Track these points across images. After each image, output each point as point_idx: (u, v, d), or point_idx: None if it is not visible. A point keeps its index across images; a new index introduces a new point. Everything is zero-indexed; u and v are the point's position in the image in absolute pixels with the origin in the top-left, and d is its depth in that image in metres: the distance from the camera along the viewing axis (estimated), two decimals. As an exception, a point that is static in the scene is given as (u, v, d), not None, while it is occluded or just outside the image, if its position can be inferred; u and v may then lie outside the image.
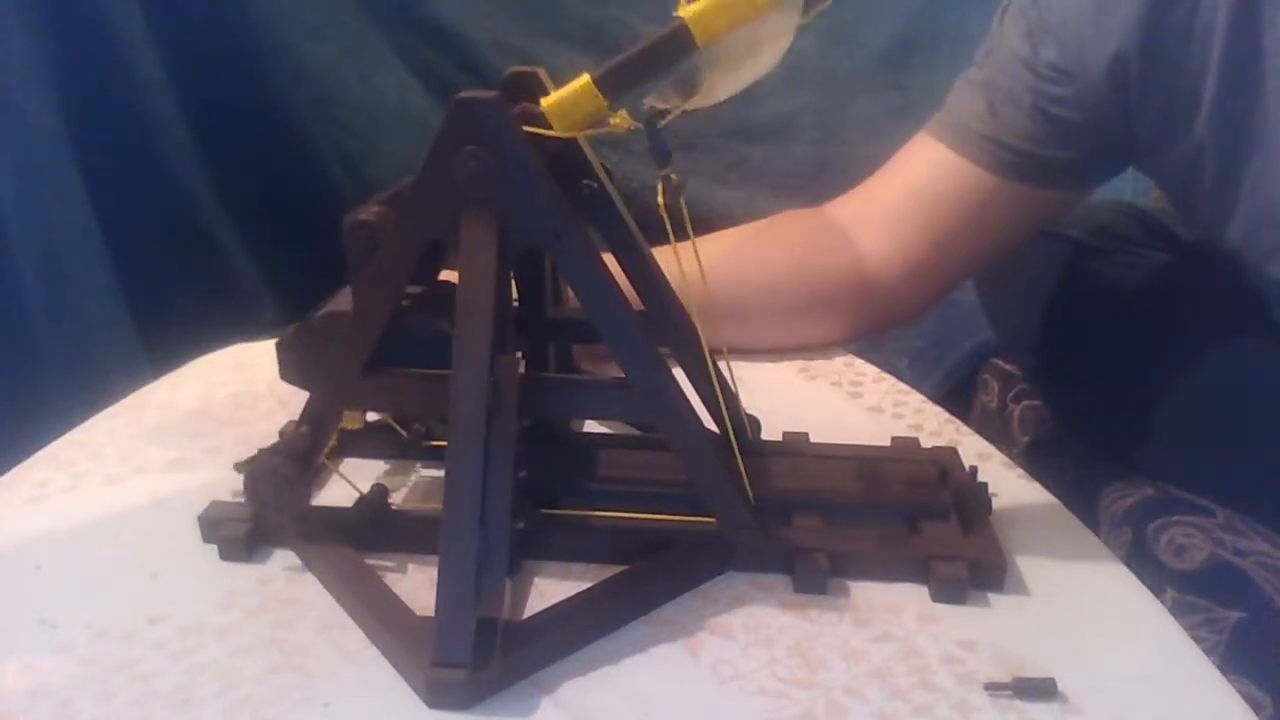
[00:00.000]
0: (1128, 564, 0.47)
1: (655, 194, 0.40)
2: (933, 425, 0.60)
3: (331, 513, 0.47)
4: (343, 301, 0.46)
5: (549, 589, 0.44)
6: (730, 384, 0.50)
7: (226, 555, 0.46)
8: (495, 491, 0.39)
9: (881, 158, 0.68)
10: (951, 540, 0.45)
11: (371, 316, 0.43)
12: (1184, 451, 0.61)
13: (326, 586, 0.44)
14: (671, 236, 0.42)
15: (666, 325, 0.48)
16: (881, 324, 0.70)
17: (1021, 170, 0.60)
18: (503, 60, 0.52)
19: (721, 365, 0.49)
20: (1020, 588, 0.44)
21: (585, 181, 0.44)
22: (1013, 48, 0.60)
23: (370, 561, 0.45)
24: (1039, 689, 0.38)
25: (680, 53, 0.39)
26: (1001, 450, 0.56)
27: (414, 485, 0.53)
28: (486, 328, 0.39)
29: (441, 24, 1.08)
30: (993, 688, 0.38)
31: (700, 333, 0.46)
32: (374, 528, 0.47)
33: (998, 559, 0.44)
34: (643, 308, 0.48)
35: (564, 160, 0.42)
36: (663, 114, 0.40)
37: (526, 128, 0.40)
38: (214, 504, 0.48)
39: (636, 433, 0.56)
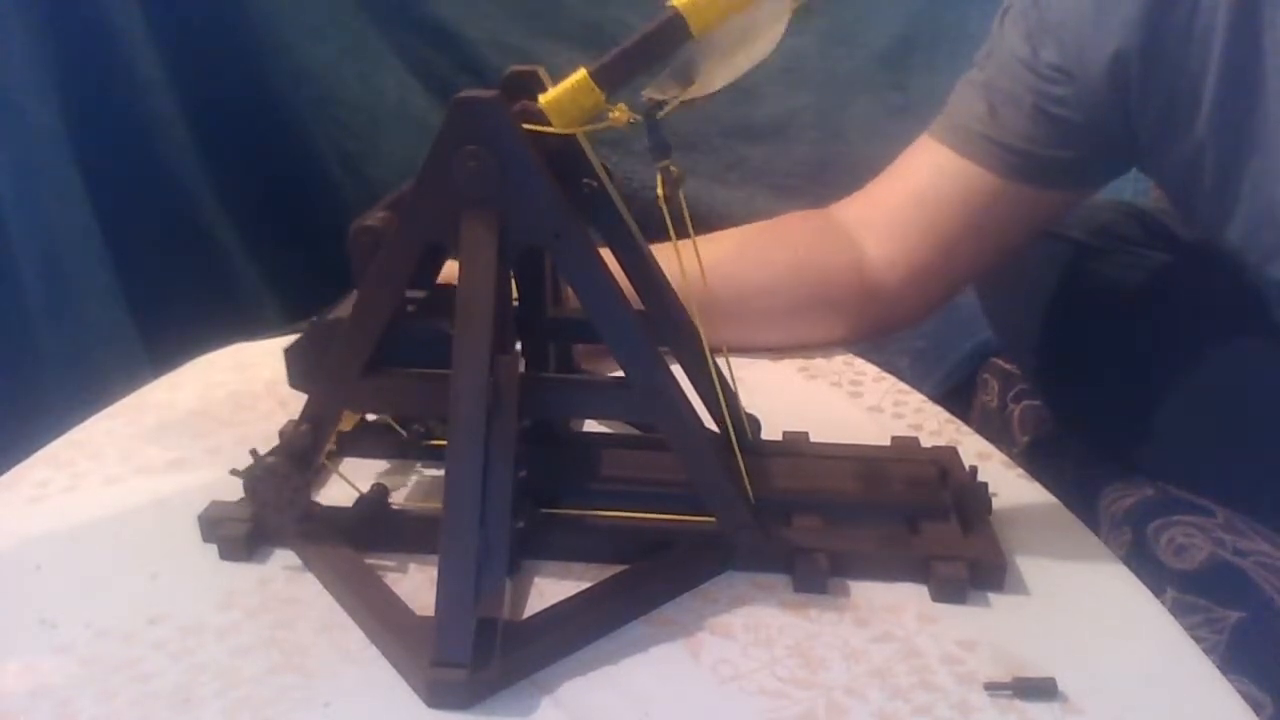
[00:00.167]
0: (1128, 564, 0.47)
1: (655, 194, 0.40)
2: (933, 425, 0.60)
3: (331, 513, 0.47)
4: (349, 307, 0.46)
5: (549, 589, 0.44)
6: (730, 384, 0.50)
7: (226, 555, 0.46)
8: (495, 491, 0.39)
9: (882, 158, 0.68)
10: (951, 540, 0.45)
11: (372, 316, 0.43)
12: (1184, 451, 0.61)
13: (326, 586, 0.44)
14: (671, 230, 0.42)
15: (666, 325, 0.48)
16: (883, 327, 0.70)
17: (1023, 171, 0.60)
18: (503, 60, 0.52)
19: (721, 365, 0.49)
20: (1020, 588, 0.44)
21: (585, 180, 0.44)
22: (1013, 49, 0.60)
23: (370, 561, 0.45)
24: (1039, 689, 0.38)
25: (675, 42, 0.39)
26: (1001, 450, 0.56)
27: (414, 485, 0.53)
28: (486, 328, 0.39)
29: (441, 24, 1.08)
30: (993, 688, 0.38)
31: (700, 332, 0.46)
32: (374, 527, 0.47)
33: (998, 559, 0.44)
34: (643, 307, 0.48)
35: (564, 159, 0.42)
36: (661, 105, 0.40)
37: (526, 125, 0.40)
38: (214, 504, 0.48)
39: (636, 433, 0.56)
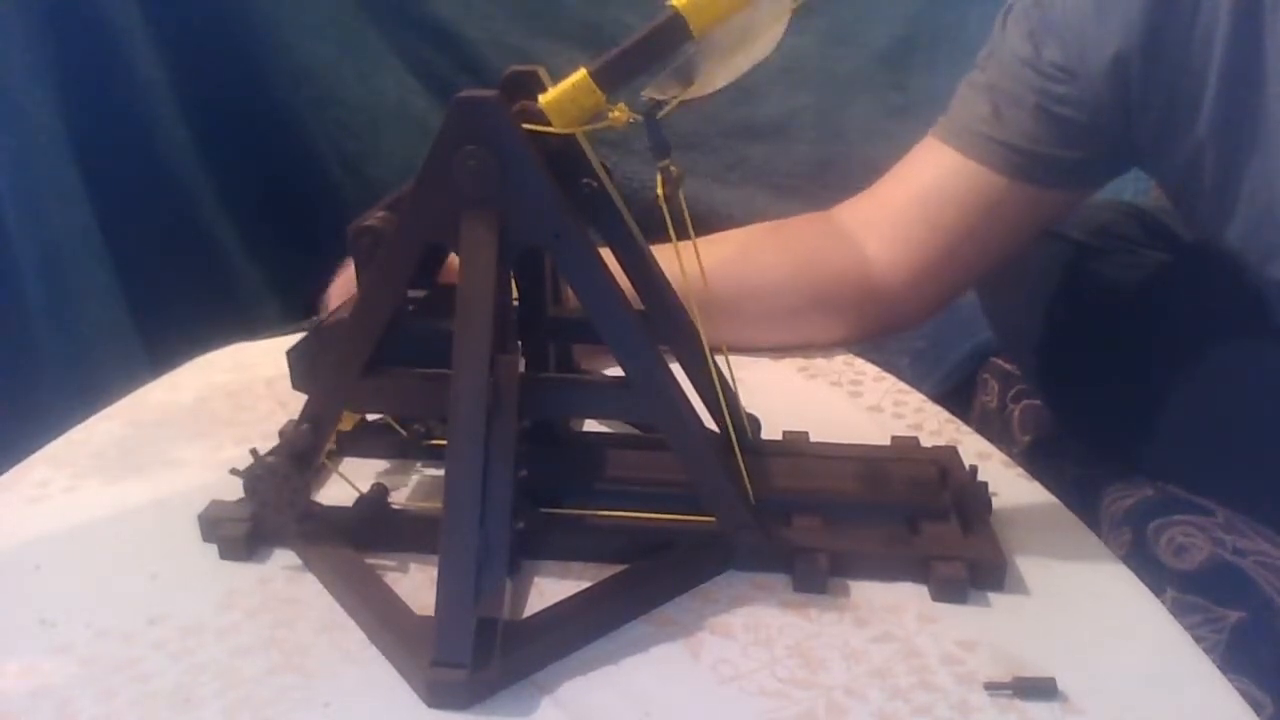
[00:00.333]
0: (1128, 564, 0.47)
1: (655, 194, 0.40)
2: (933, 425, 0.60)
3: (331, 513, 0.47)
4: (349, 307, 0.46)
5: (549, 589, 0.44)
6: (730, 384, 0.50)
7: (226, 555, 0.46)
8: (495, 491, 0.39)
9: (882, 158, 0.68)
10: (951, 540, 0.45)
11: (372, 316, 0.43)
12: (1184, 451, 0.61)
13: (326, 586, 0.44)
14: (671, 230, 0.42)
15: (666, 325, 0.48)
16: (885, 328, 0.70)
17: (1027, 170, 0.61)
18: (503, 60, 0.52)
19: (721, 365, 0.49)
20: (1020, 588, 0.44)
21: (585, 180, 0.43)
22: (1015, 49, 0.60)
23: (370, 561, 0.45)
24: (1039, 689, 0.38)
25: (675, 43, 0.39)
26: (1001, 450, 0.56)
27: (414, 485, 0.53)
28: (486, 328, 0.39)
29: (441, 24, 1.08)
30: (993, 688, 0.38)
31: (701, 332, 0.46)
32: (374, 527, 0.47)
33: (998, 559, 0.44)
34: (643, 307, 0.48)
35: (563, 159, 0.42)
36: (661, 104, 0.40)
37: (526, 125, 0.40)
38: (214, 504, 0.48)
39: (636, 433, 0.56)
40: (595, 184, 0.44)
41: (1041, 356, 0.74)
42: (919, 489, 0.49)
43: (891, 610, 0.43)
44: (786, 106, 1.09)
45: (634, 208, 0.46)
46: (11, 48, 0.86)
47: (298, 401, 0.46)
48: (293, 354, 0.48)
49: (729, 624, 0.42)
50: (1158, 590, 0.46)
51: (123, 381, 0.65)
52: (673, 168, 0.41)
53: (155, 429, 0.59)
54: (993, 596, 0.44)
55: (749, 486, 0.45)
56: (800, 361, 0.68)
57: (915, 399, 0.63)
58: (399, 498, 0.51)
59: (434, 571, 0.38)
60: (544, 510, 0.47)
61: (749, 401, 0.53)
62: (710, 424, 0.48)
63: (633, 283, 0.47)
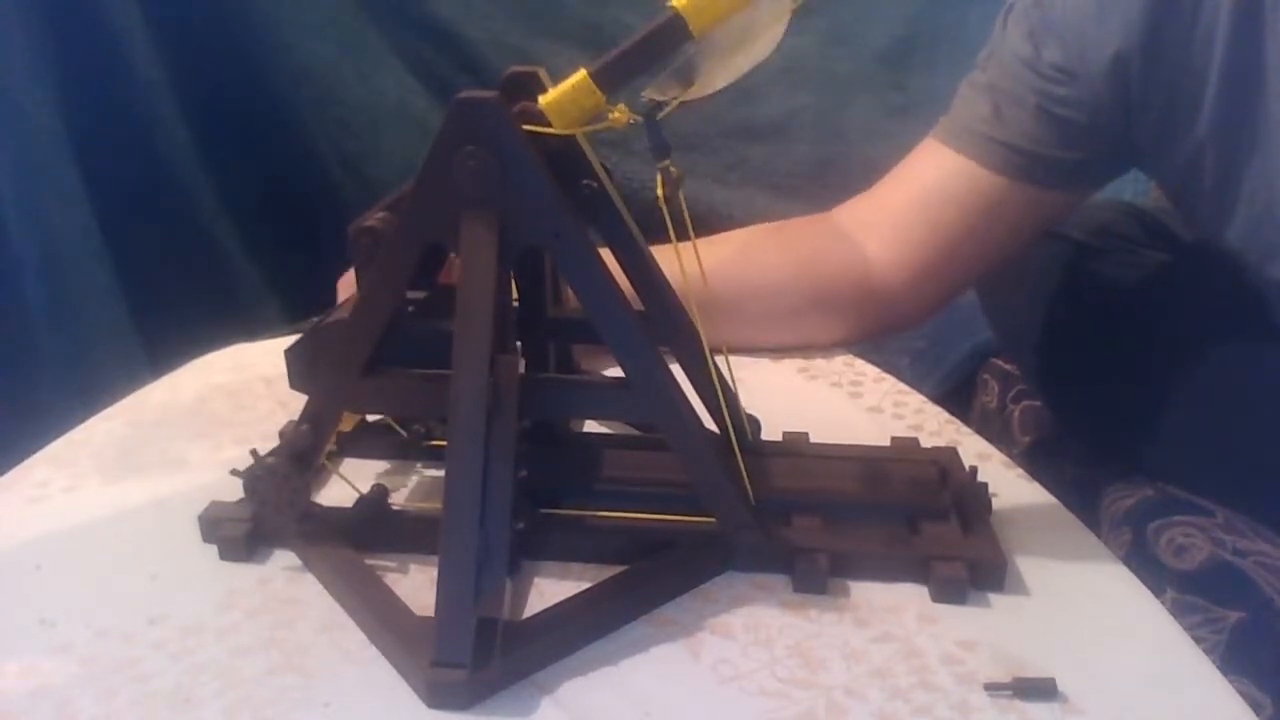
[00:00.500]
0: (1128, 564, 0.47)
1: (655, 194, 0.40)
2: (933, 425, 0.60)
3: (331, 513, 0.47)
4: (349, 308, 0.46)
5: (549, 589, 0.44)
6: (730, 384, 0.50)
7: (226, 555, 0.46)
8: (495, 491, 0.39)
9: (882, 158, 0.68)
10: (951, 540, 0.45)
11: (372, 316, 0.43)
12: (1184, 451, 0.61)
13: (326, 586, 0.44)
14: (671, 230, 0.42)
15: (666, 325, 0.48)
16: (885, 328, 0.70)
17: (1028, 171, 0.61)
18: (503, 60, 0.52)
19: (721, 365, 0.49)
20: (1020, 588, 0.44)
21: (585, 181, 0.44)
22: (1015, 49, 0.60)
23: (370, 561, 0.45)
24: (1039, 689, 0.38)
25: (675, 43, 0.39)
26: (1001, 450, 0.56)
27: (414, 485, 0.53)
28: (486, 328, 0.39)
29: (441, 24, 1.08)
30: (993, 688, 0.38)
31: (700, 332, 0.46)
32: (374, 528, 0.47)
33: (998, 559, 0.44)
34: (643, 307, 0.48)
35: (563, 159, 0.42)
36: (661, 105, 0.40)
37: (526, 126, 0.40)
38: (214, 504, 0.48)
39: (636, 433, 0.56)
40: (595, 184, 0.44)
41: (1041, 356, 0.74)
42: (919, 489, 0.49)
43: (891, 610, 0.43)
44: (786, 107, 1.09)
45: (634, 208, 0.46)
46: (11, 48, 0.86)
47: (298, 402, 0.46)
48: (290, 353, 0.48)
49: (729, 624, 0.42)
50: (1158, 590, 0.46)
51: (123, 381, 0.65)
52: (673, 168, 0.41)
53: (155, 429, 0.59)
54: (993, 597, 0.44)
55: (749, 487, 0.45)
56: (800, 362, 0.68)
57: (915, 400, 0.63)
58: (399, 498, 0.51)
59: (434, 572, 0.38)
60: (544, 510, 0.47)
61: (749, 402, 0.53)
62: (710, 425, 0.48)
63: (632, 283, 0.47)
